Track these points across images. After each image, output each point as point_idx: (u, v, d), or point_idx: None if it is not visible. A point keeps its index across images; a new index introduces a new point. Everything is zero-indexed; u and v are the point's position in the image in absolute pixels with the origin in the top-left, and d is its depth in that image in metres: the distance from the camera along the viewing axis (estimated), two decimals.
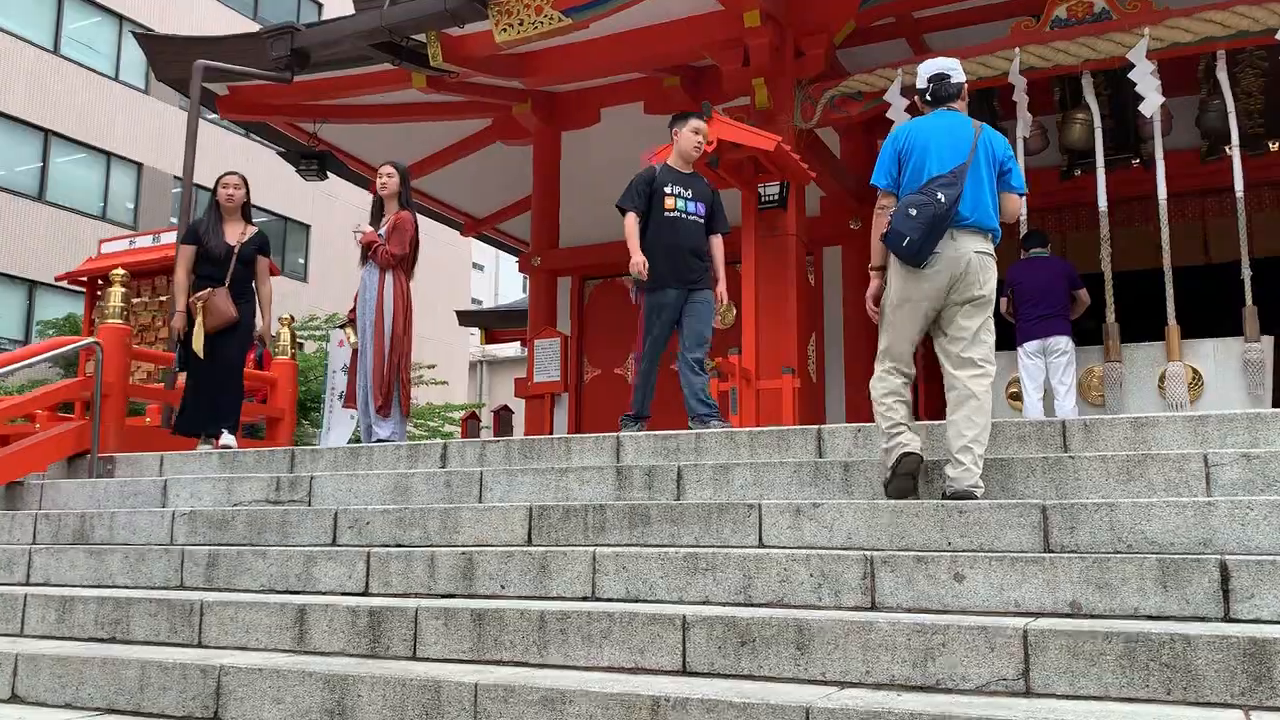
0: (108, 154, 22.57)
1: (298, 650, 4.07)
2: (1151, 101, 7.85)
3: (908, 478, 4.32)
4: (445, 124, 11.87)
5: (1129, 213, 9.81)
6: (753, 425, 8.05)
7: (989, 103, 9.29)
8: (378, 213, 7.29)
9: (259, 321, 7.42)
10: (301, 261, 25.91)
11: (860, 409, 10.19)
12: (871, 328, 10.17)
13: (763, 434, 5.13)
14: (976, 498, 4.13)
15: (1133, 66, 7.90)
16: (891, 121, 8.40)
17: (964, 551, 3.81)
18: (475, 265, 35.25)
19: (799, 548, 4.10)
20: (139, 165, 23.15)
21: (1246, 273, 7.76)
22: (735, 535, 4.25)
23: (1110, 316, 8.02)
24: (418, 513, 4.88)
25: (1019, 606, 3.44)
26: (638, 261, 6.40)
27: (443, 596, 4.26)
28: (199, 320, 6.81)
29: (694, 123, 6.62)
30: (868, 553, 3.75)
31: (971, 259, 4.38)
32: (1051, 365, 7.82)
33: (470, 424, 12.27)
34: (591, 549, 4.15)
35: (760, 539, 4.21)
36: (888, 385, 4.51)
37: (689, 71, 10.58)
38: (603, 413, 11.18)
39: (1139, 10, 8.08)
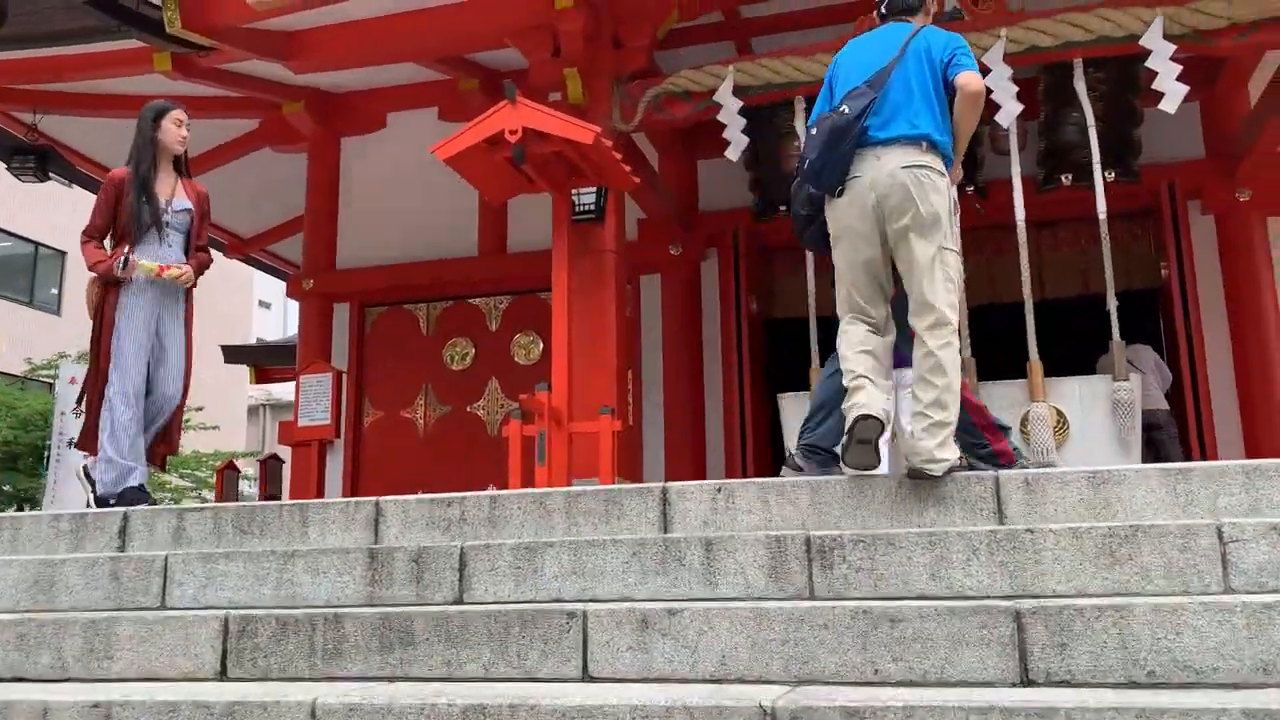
0: None
1: None
2: (1009, 110, 6.85)
3: (867, 446, 3.52)
4: (205, 125, 9.87)
5: (979, 240, 8.88)
6: (565, 477, 6.49)
7: None
8: (142, 186, 5.09)
9: None
10: (55, 292, 22.67)
11: (681, 460, 8.80)
12: (694, 368, 8.75)
13: (585, 496, 3.58)
14: (934, 477, 3.37)
15: (988, 71, 6.90)
16: (720, 136, 7.12)
17: (899, 685, 2.38)
18: (262, 303, 32.32)
19: (651, 680, 2.57)
20: None
21: (1112, 304, 6.82)
22: (547, 662, 2.68)
23: (966, 351, 6.92)
24: (56, 624, 3.07)
25: None
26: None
27: None
28: None
29: None
30: (757, 692, 2.25)
31: (899, 175, 3.63)
32: (900, 401, 6.60)
33: (228, 477, 10.15)
34: (313, 695, 2.49)
35: (585, 668, 2.66)
36: (849, 337, 3.79)
37: (489, 74, 9.05)
38: (388, 463, 9.37)
39: (993, 11, 7.10)
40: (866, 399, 3.59)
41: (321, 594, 3.29)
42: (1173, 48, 6.43)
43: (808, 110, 7.29)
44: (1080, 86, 7.03)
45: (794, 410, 7.04)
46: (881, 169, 3.65)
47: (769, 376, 9.26)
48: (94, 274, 5.05)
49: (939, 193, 3.67)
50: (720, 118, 7.09)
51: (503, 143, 6.23)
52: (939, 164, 3.72)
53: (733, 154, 7.14)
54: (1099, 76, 7.58)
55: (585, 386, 6.73)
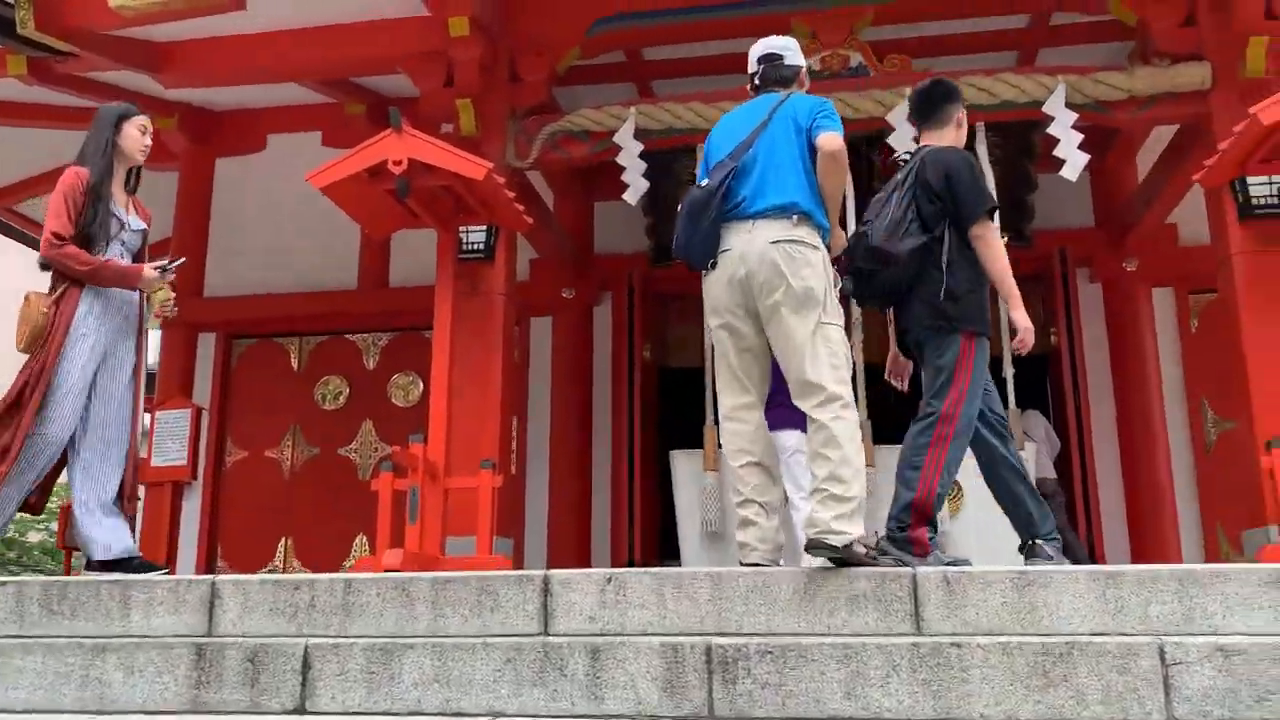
0: None
1: None
2: None
3: None
4: (65, 136, 9.09)
5: None
6: (439, 537, 5.99)
7: None
8: (95, 198, 4.35)
9: None
10: None
11: (565, 514, 8.36)
12: (582, 417, 8.35)
13: (455, 584, 3.13)
14: (838, 550, 3.16)
15: (892, 130, 6.74)
16: (619, 179, 6.79)
17: None
18: None
19: None
20: None
21: (1009, 370, 6.68)
22: None
23: (862, 414, 6.68)
24: None
25: None
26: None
27: None
28: None
29: None
30: None
31: (768, 251, 3.46)
32: (785, 469, 6.27)
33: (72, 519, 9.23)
34: None
35: None
36: (732, 439, 3.56)
37: (378, 99, 8.56)
38: (251, 508, 8.68)
39: (898, 70, 6.96)
40: (757, 539, 3.49)
41: (136, 697, 2.76)
42: (1075, 116, 6.36)
43: None
44: (981, 150, 6.92)
45: (685, 468, 6.69)
46: (752, 243, 3.50)
47: (662, 428, 8.91)
48: (107, 283, 4.26)
49: (811, 266, 3.50)
50: (620, 160, 6.76)
51: (385, 174, 5.77)
52: (812, 236, 3.55)
53: (631, 198, 6.81)
54: (996, 140, 7.51)
55: (465, 437, 6.26)
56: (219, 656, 2.78)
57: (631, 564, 8.17)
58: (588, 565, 8.24)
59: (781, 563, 5.58)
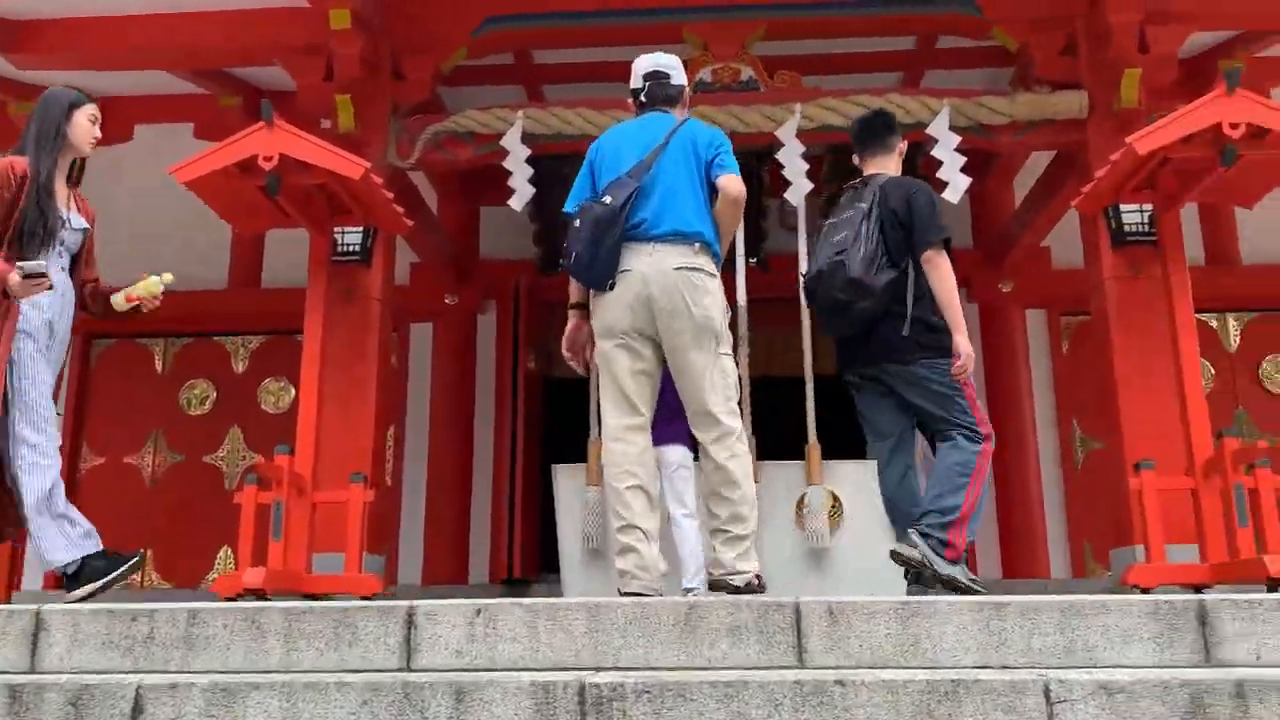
0: None
1: None
2: (799, 188, 6.64)
3: None
4: None
5: (762, 314, 8.66)
6: (305, 553, 5.67)
7: None
8: (38, 193, 3.79)
9: None
10: None
11: (442, 529, 8.08)
12: (463, 427, 8.09)
13: (311, 615, 2.88)
14: (740, 589, 3.33)
15: (780, 147, 6.69)
16: (505, 183, 6.57)
17: None
18: None
19: None
20: None
21: None
22: None
23: (747, 427, 6.61)
24: None
25: None
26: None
27: None
28: None
29: None
30: None
31: (672, 276, 3.45)
32: (668, 484, 6.14)
33: None
34: None
35: None
36: (617, 459, 3.49)
37: (254, 91, 8.15)
38: (107, 519, 8.12)
39: (788, 86, 6.93)
40: (637, 567, 3.40)
41: None
42: (958, 139, 6.41)
43: None
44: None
45: (568, 483, 6.50)
46: (655, 267, 3.48)
47: (545, 440, 8.70)
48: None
49: (712, 295, 3.53)
50: (506, 164, 6.55)
51: (255, 169, 5.44)
52: (710, 265, 3.57)
53: (516, 203, 6.59)
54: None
55: (336, 448, 5.96)
56: (37, 699, 2.48)
57: (510, 580, 7.94)
58: (465, 581, 7.98)
59: (662, 591, 5.46)
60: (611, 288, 3.51)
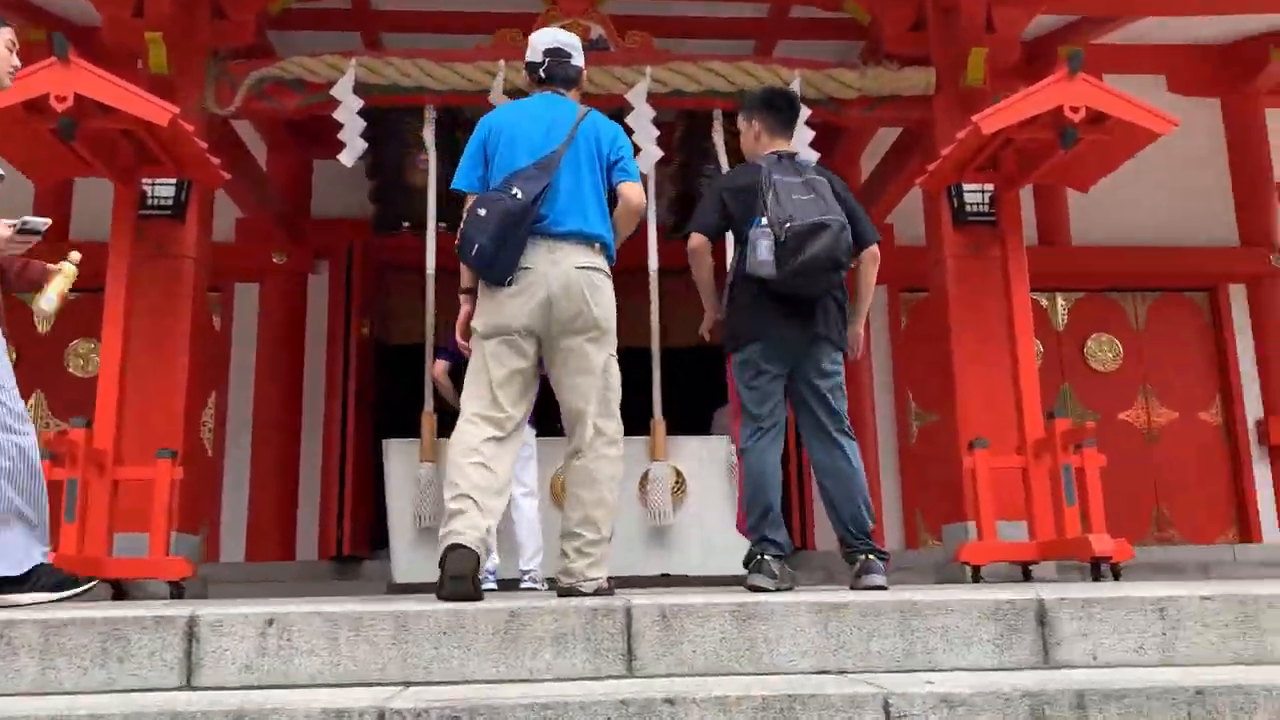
0: None
1: None
2: (648, 154, 6.40)
3: (462, 581, 3.07)
4: None
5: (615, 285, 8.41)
6: (106, 534, 5.15)
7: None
8: None
9: None
10: None
11: (267, 502, 7.58)
12: (291, 394, 7.59)
13: (72, 628, 2.48)
14: (584, 594, 3.25)
15: (630, 109, 6.42)
16: (336, 137, 6.09)
17: None
18: None
19: None
20: None
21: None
22: None
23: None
24: None
25: None
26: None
27: None
28: None
29: None
30: None
31: (574, 276, 3.35)
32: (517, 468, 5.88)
33: None
34: None
35: None
36: (468, 439, 3.34)
37: (61, 25, 7.35)
38: None
39: (639, 47, 6.66)
40: (464, 525, 3.18)
41: None
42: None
43: (439, 122, 6.45)
44: (718, 138, 6.76)
45: (401, 459, 6.13)
46: (556, 264, 3.36)
47: (378, 409, 8.26)
48: None
49: (609, 297, 3.45)
50: (337, 115, 6.07)
51: (48, 110, 4.84)
52: (606, 266, 3.49)
53: (347, 158, 6.13)
54: (734, 130, 7.39)
55: (142, 419, 5.44)
56: None
57: (340, 557, 7.52)
58: (292, 558, 7.51)
59: (491, 568, 5.13)
60: (510, 283, 3.36)
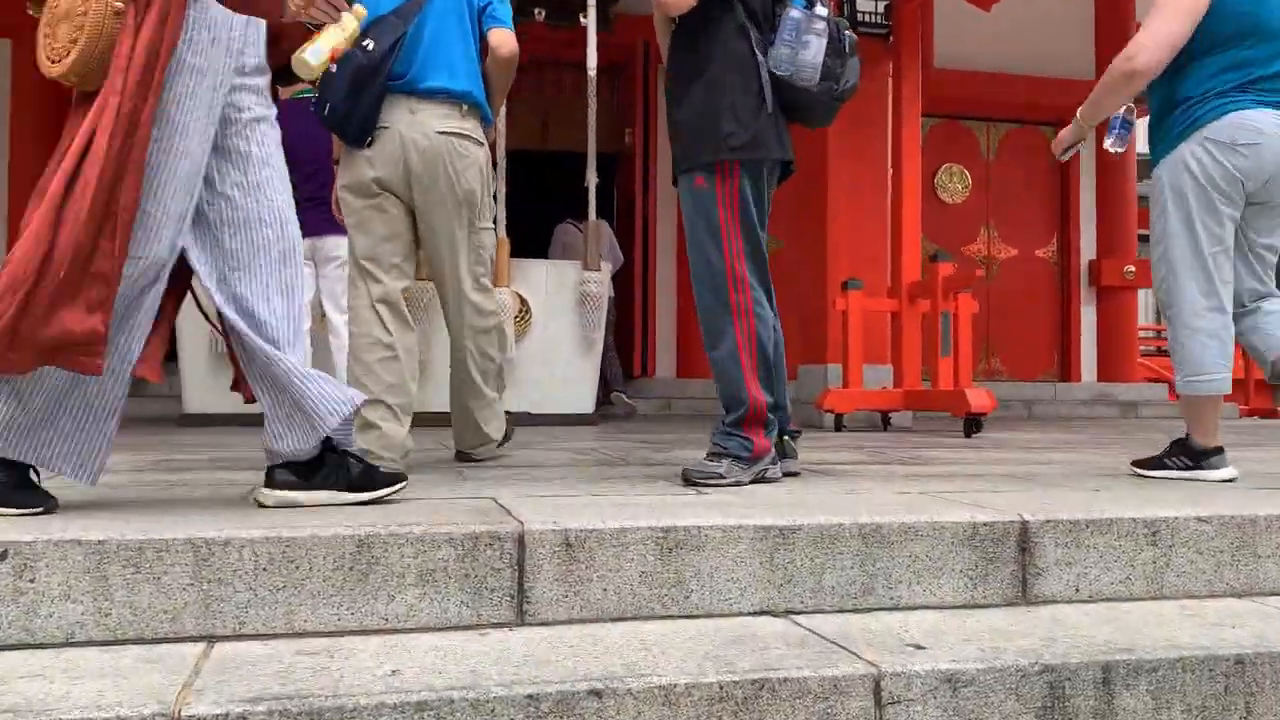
0: None
1: None
2: None
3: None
4: None
5: None
6: None
7: None
8: None
9: None
10: None
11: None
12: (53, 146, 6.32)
13: None
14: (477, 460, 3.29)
15: None
16: None
17: None
18: None
19: None
20: None
21: (592, 176, 5.77)
22: None
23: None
24: None
25: None
26: None
27: None
28: None
29: None
30: None
31: (436, 141, 3.06)
32: (325, 281, 4.94)
33: None
34: None
35: None
36: (368, 328, 3.04)
37: None
38: None
39: None
40: (381, 445, 2.97)
41: None
42: None
43: None
44: None
45: None
46: (416, 126, 3.09)
47: None
48: None
49: (476, 166, 3.17)
50: None
51: None
52: (478, 131, 3.20)
53: None
54: None
55: None
56: None
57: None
58: None
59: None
60: (370, 144, 3.10)
